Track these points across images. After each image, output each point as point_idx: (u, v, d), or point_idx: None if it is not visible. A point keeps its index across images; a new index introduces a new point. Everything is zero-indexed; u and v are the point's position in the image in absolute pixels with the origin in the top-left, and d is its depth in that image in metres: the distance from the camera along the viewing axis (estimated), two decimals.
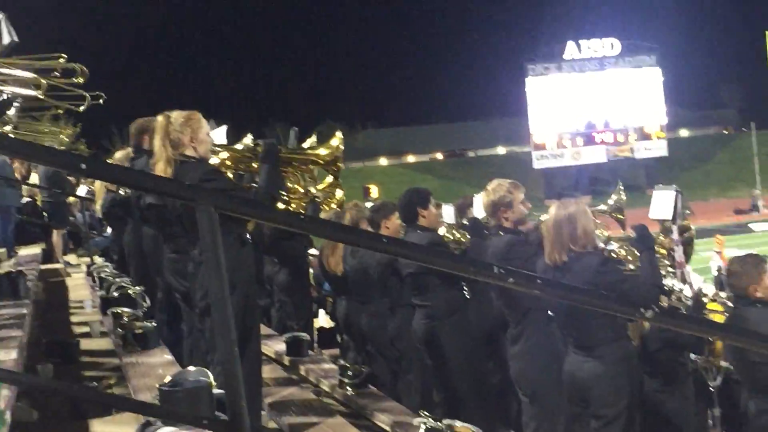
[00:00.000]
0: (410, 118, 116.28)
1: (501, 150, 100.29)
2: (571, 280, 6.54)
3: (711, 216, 53.98)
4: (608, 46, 76.75)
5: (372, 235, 6.10)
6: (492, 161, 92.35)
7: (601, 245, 7.81)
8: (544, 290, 3.73)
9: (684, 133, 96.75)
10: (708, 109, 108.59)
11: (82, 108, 6.93)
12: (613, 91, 74.62)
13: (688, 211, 9.28)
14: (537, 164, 76.72)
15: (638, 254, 7.50)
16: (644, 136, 76.41)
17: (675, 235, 8.49)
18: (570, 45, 77.07)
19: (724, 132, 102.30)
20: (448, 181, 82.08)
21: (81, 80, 6.77)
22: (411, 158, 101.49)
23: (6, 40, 7.28)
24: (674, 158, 78.98)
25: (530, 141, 77.93)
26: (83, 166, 3.07)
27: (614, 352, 6.82)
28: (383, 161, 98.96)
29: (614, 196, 8.66)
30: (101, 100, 7.12)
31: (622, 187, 8.80)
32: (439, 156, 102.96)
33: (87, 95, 6.83)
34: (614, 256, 7.91)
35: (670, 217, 8.44)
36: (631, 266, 7.70)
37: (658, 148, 76.56)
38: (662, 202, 8.48)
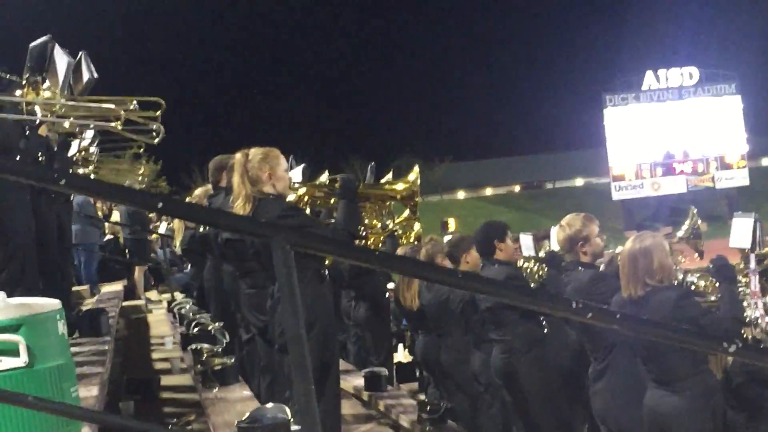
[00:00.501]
0: (488, 151, 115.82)
1: (579, 181, 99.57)
2: (648, 315, 6.44)
3: None
4: (687, 75, 75.96)
5: (447, 270, 6.08)
6: (570, 193, 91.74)
7: (680, 276, 7.69)
8: (624, 325, 3.68)
9: (766, 161, 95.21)
10: None
11: (157, 140, 7.01)
12: (693, 121, 73.75)
13: None
14: (616, 195, 76.01)
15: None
16: (725, 166, 75.29)
17: (752, 264, 8.34)
18: (648, 75, 76.43)
19: None
20: (526, 213, 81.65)
21: (158, 113, 6.87)
22: (489, 191, 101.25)
23: (86, 77, 7.42)
24: (756, 187, 77.65)
25: (609, 172, 77.30)
26: (160, 204, 3.12)
27: (695, 386, 6.68)
28: (461, 194, 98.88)
29: (688, 221, 8.55)
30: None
31: (695, 210, 8.69)
32: (517, 188, 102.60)
33: (161, 127, 6.91)
34: (693, 288, 7.78)
35: (749, 246, 8.29)
36: (712, 298, 7.57)
37: (739, 178, 75.38)
38: (742, 230, 8.33)
